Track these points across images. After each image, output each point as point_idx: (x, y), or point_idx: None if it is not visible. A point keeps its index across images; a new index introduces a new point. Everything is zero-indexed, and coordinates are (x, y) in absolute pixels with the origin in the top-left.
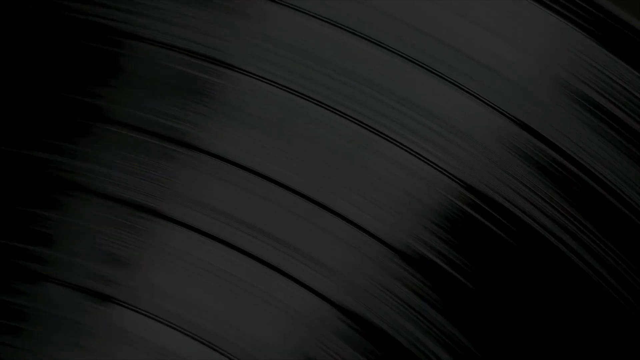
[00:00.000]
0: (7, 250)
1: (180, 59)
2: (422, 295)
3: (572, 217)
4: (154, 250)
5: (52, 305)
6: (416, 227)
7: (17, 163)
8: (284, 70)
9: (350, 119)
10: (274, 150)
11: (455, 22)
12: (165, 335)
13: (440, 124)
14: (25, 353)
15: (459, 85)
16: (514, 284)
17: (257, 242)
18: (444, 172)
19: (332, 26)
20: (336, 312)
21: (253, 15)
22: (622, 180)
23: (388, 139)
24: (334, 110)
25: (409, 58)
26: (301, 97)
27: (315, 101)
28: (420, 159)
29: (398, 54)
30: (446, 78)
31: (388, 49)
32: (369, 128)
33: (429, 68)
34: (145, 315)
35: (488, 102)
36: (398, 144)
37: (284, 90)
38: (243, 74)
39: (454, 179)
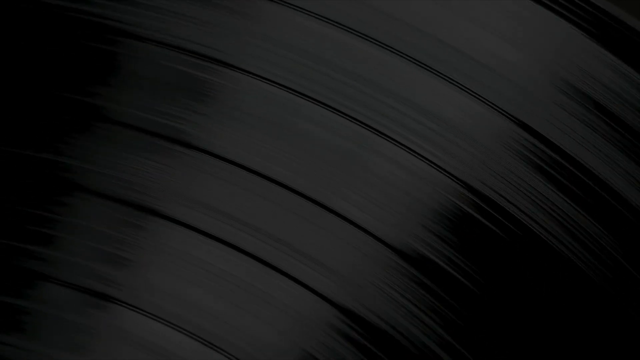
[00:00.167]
0: (7, 250)
1: (180, 59)
2: (422, 295)
3: (572, 217)
4: (154, 250)
5: (52, 306)
6: (416, 227)
7: (17, 163)
8: (284, 70)
9: (350, 119)
10: (274, 150)
11: (455, 22)
12: (165, 335)
13: (440, 124)
14: (25, 353)
15: (459, 85)
16: (514, 284)
17: (257, 242)
18: (444, 172)
19: (332, 26)
20: (336, 312)
21: (253, 15)
22: (622, 180)
23: (388, 139)
24: (334, 110)
25: (409, 58)
26: (301, 97)
27: (315, 101)
28: (420, 159)
29: (398, 54)
30: (446, 78)
31: (388, 49)
32: (369, 128)
33: (429, 68)
34: (145, 315)
35: (488, 102)
36: (398, 144)
37: (284, 90)
38: (243, 74)
39: (454, 179)
